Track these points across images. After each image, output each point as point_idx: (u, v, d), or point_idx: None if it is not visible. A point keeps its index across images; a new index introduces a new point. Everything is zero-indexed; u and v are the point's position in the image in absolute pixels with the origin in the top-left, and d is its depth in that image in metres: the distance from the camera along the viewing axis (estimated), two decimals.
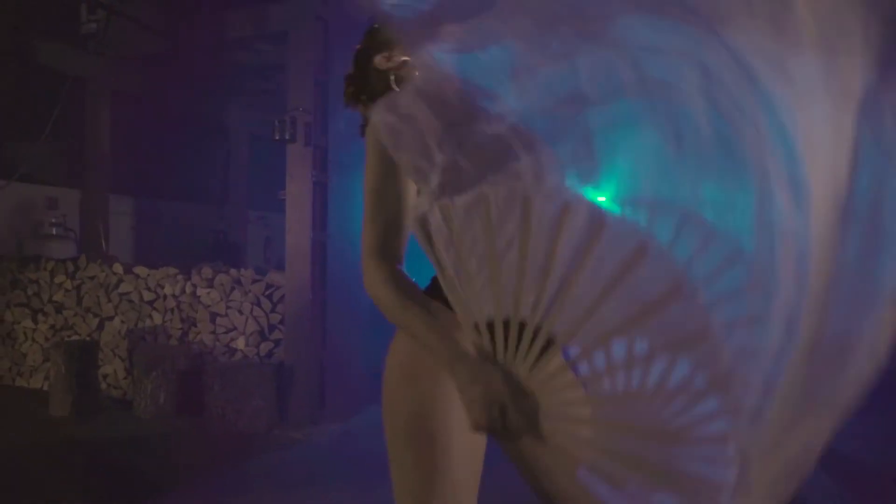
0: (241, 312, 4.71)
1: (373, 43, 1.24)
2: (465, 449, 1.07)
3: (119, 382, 5.06)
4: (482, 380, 0.91)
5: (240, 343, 4.71)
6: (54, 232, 5.99)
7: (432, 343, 0.98)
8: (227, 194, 7.92)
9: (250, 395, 4.21)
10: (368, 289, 1.07)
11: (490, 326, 0.92)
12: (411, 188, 1.12)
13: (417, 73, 1.01)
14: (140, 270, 5.05)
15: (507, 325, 0.90)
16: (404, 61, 1.20)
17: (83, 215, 6.12)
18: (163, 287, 4.96)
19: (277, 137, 4.01)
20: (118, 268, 5.11)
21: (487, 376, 0.92)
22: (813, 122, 0.74)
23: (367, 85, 1.26)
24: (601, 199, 0.88)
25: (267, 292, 4.63)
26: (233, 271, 4.79)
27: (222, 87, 6.52)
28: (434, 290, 1.07)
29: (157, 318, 4.97)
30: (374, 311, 1.08)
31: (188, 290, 4.88)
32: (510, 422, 0.90)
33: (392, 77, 1.22)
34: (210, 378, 4.34)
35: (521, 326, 0.89)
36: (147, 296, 5.00)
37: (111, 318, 5.10)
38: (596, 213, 0.84)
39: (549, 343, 0.88)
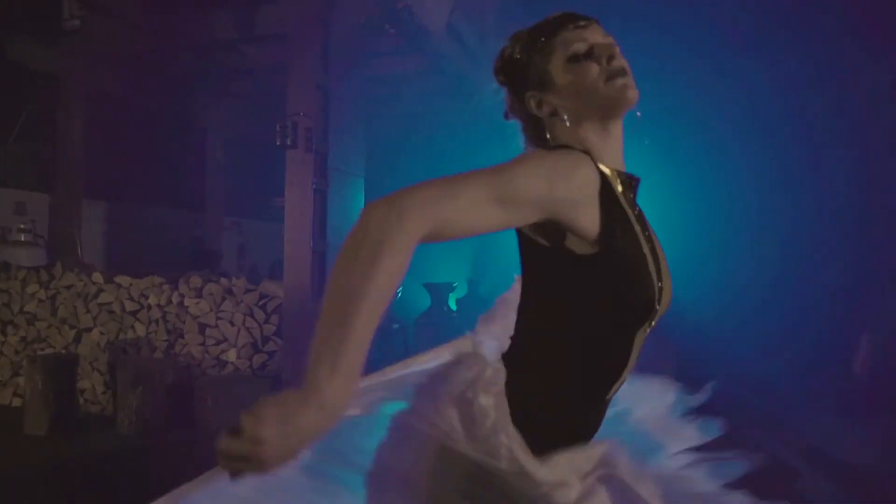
0: (232, 323, 4.53)
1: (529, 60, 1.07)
2: None
3: (97, 397, 4.80)
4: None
5: (231, 355, 4.53)
6: (23, 238, 5.67)
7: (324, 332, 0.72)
8: (203, 199, 7.67)
9: (245, 408, 4.04)
10: (366, 217, 0.77)
11: None
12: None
13: None
14: (122, 280, 4.80)
15: None
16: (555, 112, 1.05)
17: (53, 221, 5.81)
18: (147, 297, 4.74)
19: (279, 143, 3.87)
20: (98, 277, 4.85)
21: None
22: None
23: (522, 96, 1.08)
24: None
25: (261, 302, 4.47)
26: (223, 280, 4.60)
27: (203, 88, 6.31)
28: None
29: (141, 330, 4.74)
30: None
31: (175, 300, 4.67)
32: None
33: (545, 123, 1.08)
34: (202, 392, 4.15)
35: None
36: (130, 306, 4.76)
37: (89, 330, 4.84)
38: None
39: None
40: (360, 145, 4.65)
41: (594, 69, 1.00)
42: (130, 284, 4.77)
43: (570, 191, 0.91)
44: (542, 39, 1.05)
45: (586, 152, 0.99)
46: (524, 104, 1.08)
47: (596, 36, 1.02)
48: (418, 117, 7.16)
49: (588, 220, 0.93)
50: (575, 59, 1.01)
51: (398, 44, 5.19)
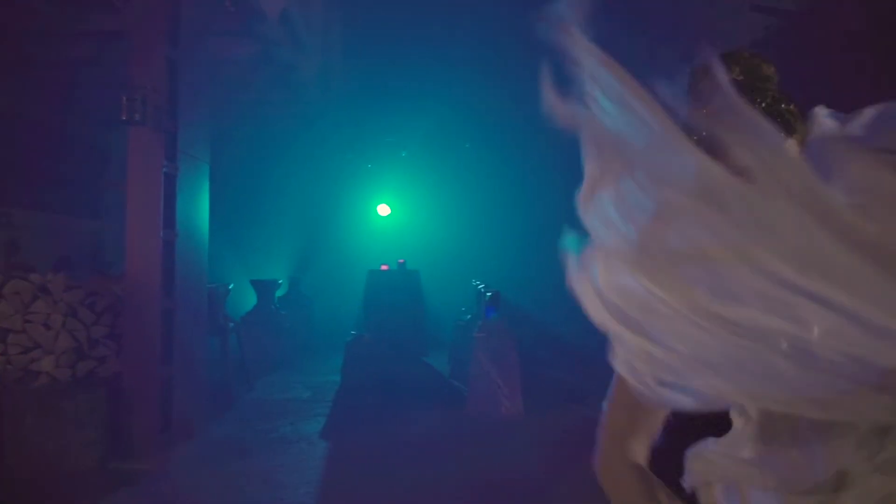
0: (48, 327, 3.86)
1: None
2: None
3: None
4: None
5: (45, 364, 3.85)
6: None
7: None
8: None
9: (79, 424, 3.49)
10: None
11: None
12: None
13: None
14: None
15: None
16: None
17: None
18: None
19: (125, 117, 3.42)
20: None
21: None
22: None
23: None
24: None
25: (88, 301, 3.88)
26: (34, 276, 3.90)
27: None
28: None
29: None
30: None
31: None
32: None
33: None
34: (16, 408, 3.48)
35: None
36: None
37: None
38: None
39: None
40: (206, 129, 4.29)
41: None
42: None
43: None
44: None
45: None
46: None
47: None
48: (256, 105, 6.78)
49: None
50: None
51: (241, 25, 4.90)
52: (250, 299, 7.27)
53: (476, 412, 5.04)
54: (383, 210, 10.78)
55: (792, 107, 1.05)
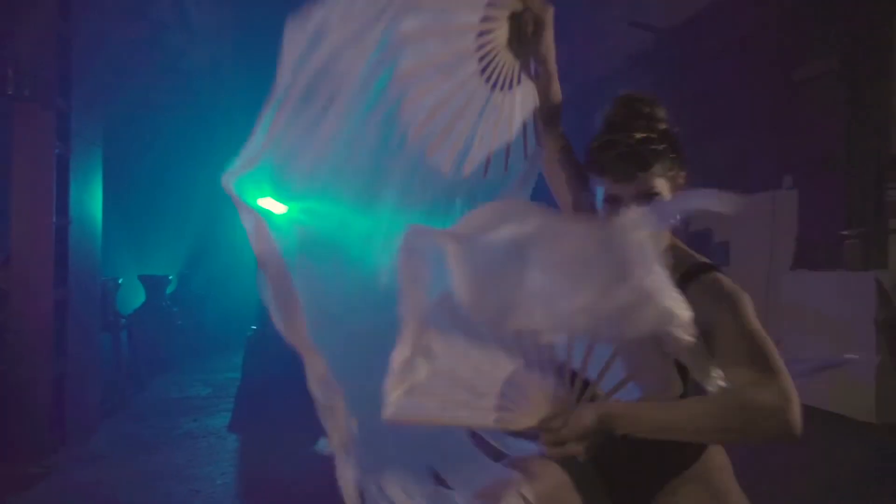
0: None
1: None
2: None
3: None
4: None
5: None
6: None
7: None
8: None
9: None
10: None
11: None
12: None
13: None
14: None
15: None
16: None
17: None
18: None
19: (11, 92, 3.14)
20: None
21: None
22: None
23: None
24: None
25: None
26: None
27: None
28: None
29: None
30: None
31: None
32: None
33: None
34: None
35: None
36: None
37: None
38: None
39: None
40: (99, 111, 4.01)
41: None
42: None
43: None
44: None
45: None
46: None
47: None
48: (148, 92, 6.40)
49: None
50: None
51: (135, 4, 4.66)
52: (138, 296, 6.84)
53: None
54: (271, 206, 10.50)
55: (662, 147, 1.22)
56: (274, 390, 5.40)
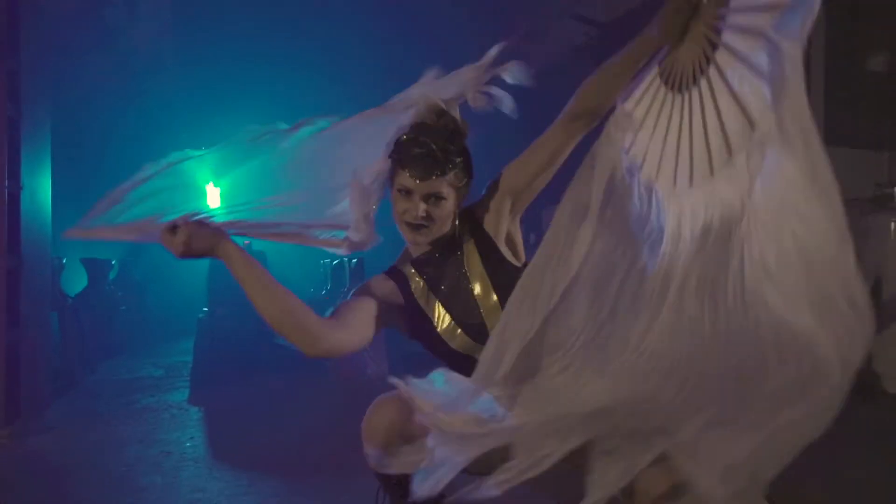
0: None
1: None
2: None
3: None
4: None
5: None
6: None
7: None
8: None
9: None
10: None
11: None
12: None
13: None
14: None
15: None
16: None
17: None
18: None
19: None
20: None
21: None
22: None
23: None
24: None
25: None
26: None
27: None
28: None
29: None
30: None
31: None
32: None
33: None
34: None
35: None
36: None
37: None
38: None
39: None
40: (49, 76, 3.87)
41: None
42: None
43: None
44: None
45: None
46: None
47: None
48: (88, 68, 6.16)
49: None
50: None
51: None
52: (79, 280, 6.58)
53: (341, 376, 5.13)
54: (212, 200, 10.30)
55: (458, 159, 1.44)
56: (228, 367, 5.36)
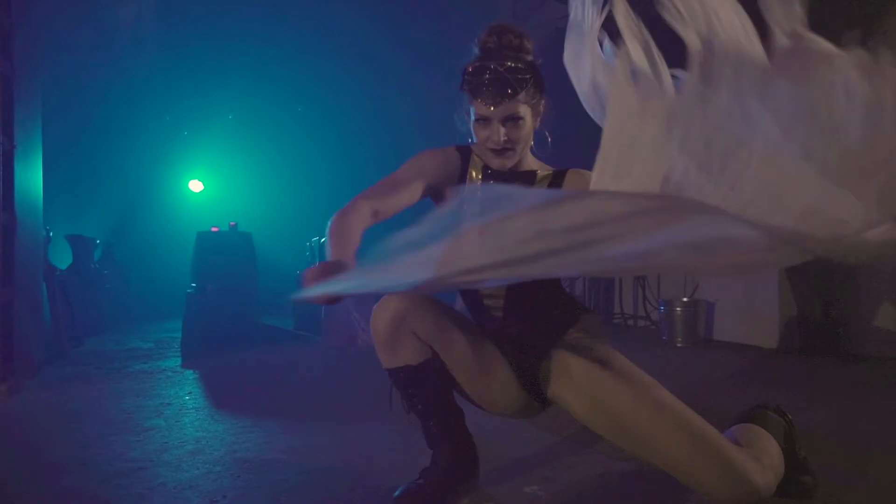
0: None
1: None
2: None
3: None
4: None
5: None
6: None
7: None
8: None
9: None
10: None
11: None
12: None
13: None
14: None
15: None
16: None
17: None
18: None
19: None
20: None
21: None
22: None
23: None
24: None
25: None
26: None
27: None
28: None
29: None
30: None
31: None
32: None
33: None
34: None
35: None
36: None
37: None
38: None
39: None
40: (41, 36, 3.85)
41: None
42: None
43: None
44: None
45: None
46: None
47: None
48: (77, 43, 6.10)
49: None
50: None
51: None
52: (64, 257, 6.53)
53: (332, 345, 5.18)
54: (196, 186, 10.29)
55: (528, 76, 1.42)
56: (217, 339, 5.37)
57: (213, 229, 8.35)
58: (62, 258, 6.43)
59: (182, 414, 2.79)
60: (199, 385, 3.55)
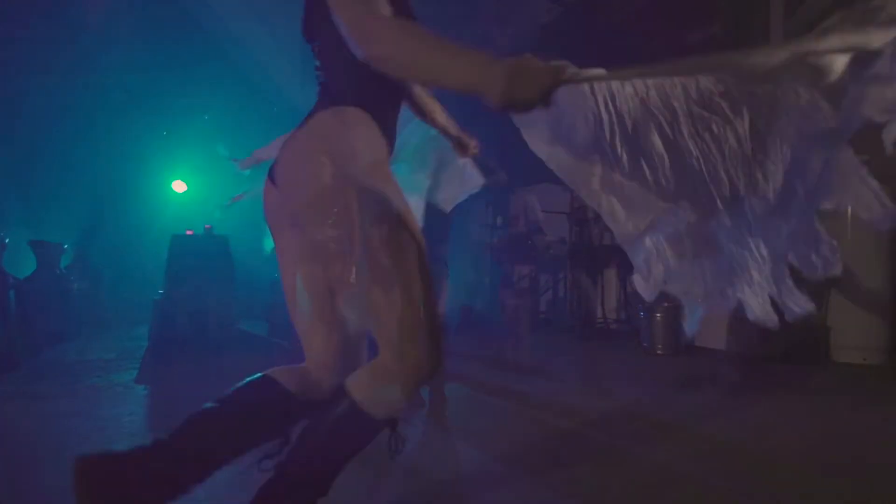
0: None
1: None
2: None
3: None
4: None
5: None
6: None
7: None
8: None
9: None
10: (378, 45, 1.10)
11: None
12: None
13: None
14: None
15: None
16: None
17: None
18: None
19: None
20: None
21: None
22: None
23: None
24: None
25: None
26: None
27: None
28: None
29: None
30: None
31: None
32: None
33: None
34: None
35: None
36: None
37: None
38: None
39: None
40: None
41: None
42: None
43: None
44: None
45: None
46: None
47: None
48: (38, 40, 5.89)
49: None
50: None
51: None
52: (27, 265, 6.32)
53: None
54: (179, 186, 10.11)
55: None
56: (181, 346, 5.19)
57: (188, 232, 8.15)
58: (25, 265, 6.23)
59: (112, 440, 2.60)
60: (145, 404, 3.36)
